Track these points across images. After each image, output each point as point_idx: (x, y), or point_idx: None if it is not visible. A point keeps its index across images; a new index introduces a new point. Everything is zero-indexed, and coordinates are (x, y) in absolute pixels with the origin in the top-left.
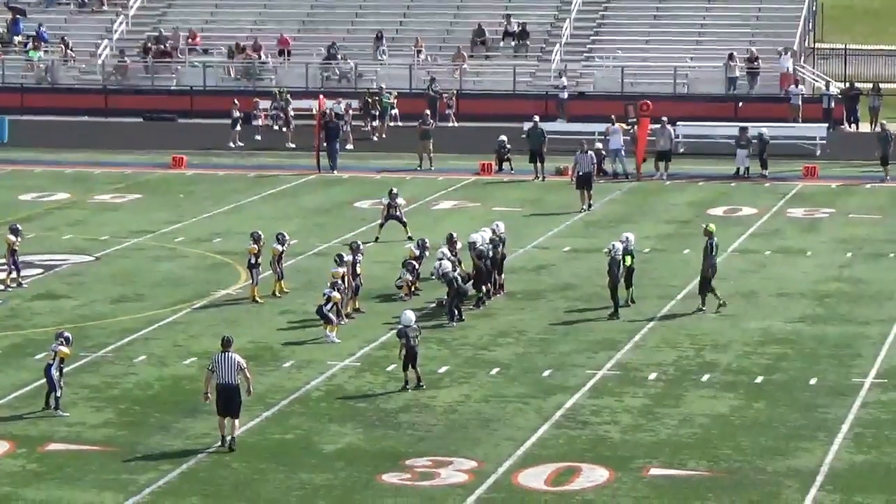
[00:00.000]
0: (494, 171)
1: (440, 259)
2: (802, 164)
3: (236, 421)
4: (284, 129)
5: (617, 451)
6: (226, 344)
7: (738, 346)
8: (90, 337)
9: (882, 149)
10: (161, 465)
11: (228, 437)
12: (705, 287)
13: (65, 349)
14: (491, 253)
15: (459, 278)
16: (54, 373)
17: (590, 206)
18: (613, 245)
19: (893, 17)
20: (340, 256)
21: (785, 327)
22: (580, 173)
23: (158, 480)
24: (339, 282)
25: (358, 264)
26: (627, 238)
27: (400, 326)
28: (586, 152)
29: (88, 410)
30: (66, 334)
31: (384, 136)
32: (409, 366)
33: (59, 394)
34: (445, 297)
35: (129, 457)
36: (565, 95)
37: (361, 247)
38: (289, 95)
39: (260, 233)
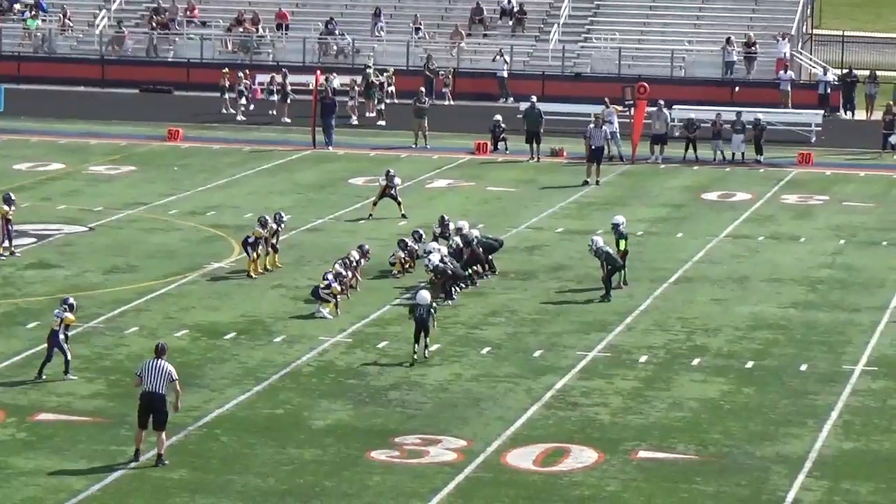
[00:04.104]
0: (489, 151)
1: (429, 252)
2: (797, 151)
3: (163, 435)
4: (276, 103)
5: (606, 433)
6: (159, 351)
7: (729, 330)
8: (82, 307)
9: None
10: (150, 437)
11: (157, 453)
12: None
13: (70, 315)
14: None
15: (450, 266)
16: (62, 338)
17: (598, 181)
18: (593, 239)
19: (893, 6)
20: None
21: (776, 313)
22: (593, 147)
23: (147, 452)
24: (344, 273)
25: (358, 267)
26: (621, 222)
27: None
28: (600, 126)
29: (79, 381)
30: (71, 300)
31: (373, 114)
32: (420, 338)
33: (69, 357)
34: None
35: (119, 428)
36: (505, 74)
37: (369, 251)
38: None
39: (268, 218)
